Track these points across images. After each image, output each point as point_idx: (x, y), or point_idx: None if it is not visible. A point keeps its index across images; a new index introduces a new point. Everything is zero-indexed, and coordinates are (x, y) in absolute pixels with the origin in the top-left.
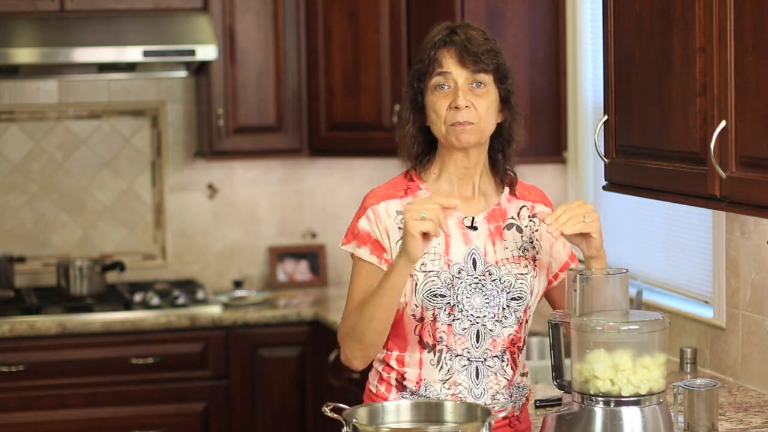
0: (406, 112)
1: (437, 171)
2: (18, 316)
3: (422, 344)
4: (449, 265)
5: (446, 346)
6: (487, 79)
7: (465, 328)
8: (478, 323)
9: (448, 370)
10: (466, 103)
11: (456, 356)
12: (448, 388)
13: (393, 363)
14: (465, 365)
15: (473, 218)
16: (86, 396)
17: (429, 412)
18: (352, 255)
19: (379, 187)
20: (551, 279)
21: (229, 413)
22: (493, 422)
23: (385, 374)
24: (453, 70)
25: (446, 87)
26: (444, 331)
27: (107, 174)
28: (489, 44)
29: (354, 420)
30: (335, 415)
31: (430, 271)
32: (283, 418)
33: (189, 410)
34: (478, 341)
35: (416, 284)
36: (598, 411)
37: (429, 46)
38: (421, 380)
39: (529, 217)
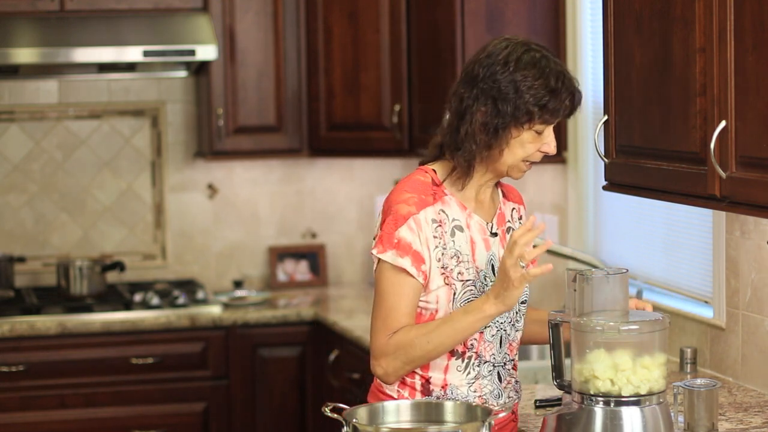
0: (483, 135)
1: (461, 178)
2: (18, 316)
3: (451, 351)
4: (477, 272)
5: (476, 353)
6: None
7: (493, 335)
8: (501, 329)
9: (475, 375)
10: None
11: (484, 362)
12: (474, 391)
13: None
14: (490, 370)
15: (492, 224)
16: (86, 396)
17: (429, 412)
18: (383, 263)
19: (409, 192)
20: None
21: (229, 413)
22: (493, 422)
23: (408, 379)
24: (557, 120)
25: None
26: (476, 339)
27: (107, 174)
28: None
29: (354, 420)
30: (335, 415)
31: (467, 280)
32: (283, 418)
33: (189, 410)
34: (500, 346)
35: (455, 294)
36: (598, 411)
37: (564, 104)
38: (447, 384)
39: (518, 219)
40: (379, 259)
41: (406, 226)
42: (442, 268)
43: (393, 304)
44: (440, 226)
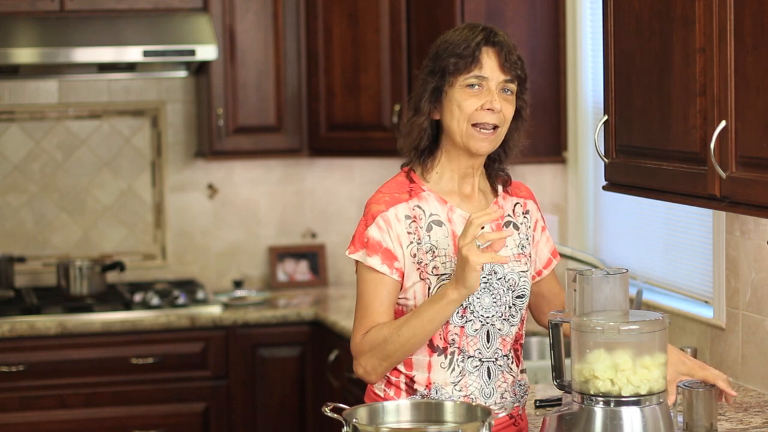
0: (425, 103)
1: (440, 170)
2: (18, 316)
3: (432, 347)
4: None
5: (458, 348)
6: (514, 88)
7: (476, 329)
8: (487, 323)
9: (460, 372)
10: (500, 106)
11: (468, 357)
12: (460, 390)
13: (400, 367)
14: (477, 366)
15: None
16: (86, 396)
17: (429, 412)
18: (359, 263)
19: (382, 192)
20: (534, 275)
21: (229, 413)
22: (493, 422)
23: (393, 378)
24: (491, 74)
25: (477, 87)
26: (456, 334)
27: (107, 174)
28: (518, 52)
29: (354, 420)
30: (335, 415)
31: (442, 275)
32: (283, 418)
33: (189, 410)
34: (488, 341)
35: (429, 288)
36: (598, 411)
37: (473, 42)
38: (431, 383)
39: (523, 214)
40: (356, 260)
41: (374, 225)
42: (418, 263)
43: (367, 303)
44: (414, 221)
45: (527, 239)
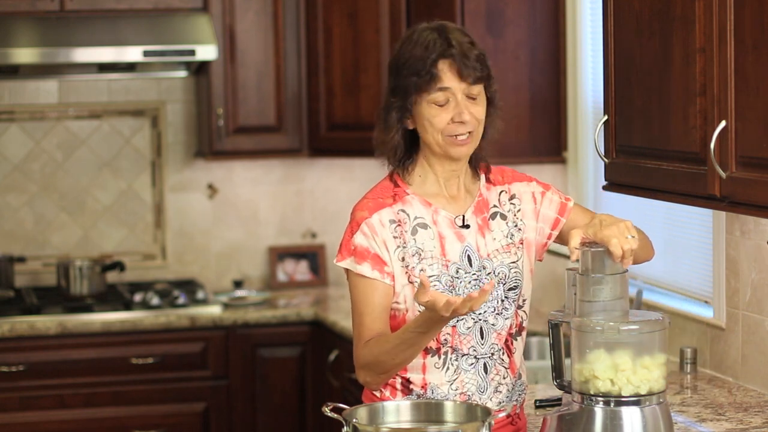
0: (393, 121)
1: (422, 173)
2: (18, 316)
3: (425, 349)
4: (447, 266)
5: (451, 347)
6: (480, 88)
7: (469, 327)
8: (480, 320)
9: (455, 371)
10: (469, 116)
11: (462, 356)
12: (456, 389)
13: None
14: (472, 363)
15: (463, 216)
16: (86, 396)
17: (429, 412)
18: (349, 271)
19: (366, 199)
20: (545, 241)
21: (229, 413)
22: (493, 422)
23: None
24: (453, 85)
25: (443, 101)
26: (448, 333)
27: (107, 174)
28: (477, 49)
29: (354, 420)
30: (335, 415)
31: (430, 276)
32: (283, 418)
33: (189, 410)
34: (482, 338)
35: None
36: (598, 411)
37: (428, 60)
38: (426, 384)
39: (509, 200)
40: (346, 268)
41: (360, 232)
42: (405, 266)
43: (362, 311)
44: (399, 225)
45: (516, 226)
